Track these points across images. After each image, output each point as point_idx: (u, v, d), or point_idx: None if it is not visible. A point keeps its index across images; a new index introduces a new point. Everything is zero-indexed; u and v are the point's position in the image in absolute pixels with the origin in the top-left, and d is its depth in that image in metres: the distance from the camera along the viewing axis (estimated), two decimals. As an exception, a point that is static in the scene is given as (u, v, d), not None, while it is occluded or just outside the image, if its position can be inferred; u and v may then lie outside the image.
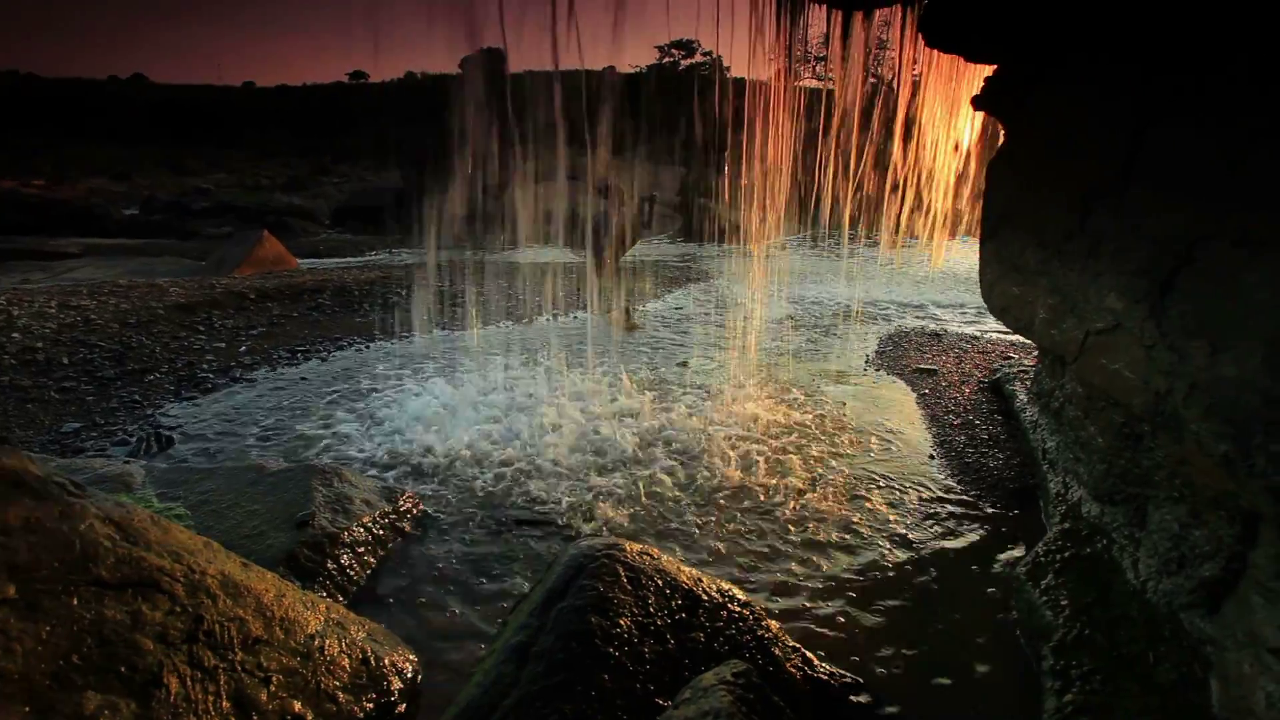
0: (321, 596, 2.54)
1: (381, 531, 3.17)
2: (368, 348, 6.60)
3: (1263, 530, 1.93)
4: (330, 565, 2.82)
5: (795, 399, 5.23)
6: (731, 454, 4.13)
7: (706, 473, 3.90)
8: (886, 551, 3.17)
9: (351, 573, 2.88)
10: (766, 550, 3.17)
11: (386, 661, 2.17)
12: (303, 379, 5.53)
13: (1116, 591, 2.49)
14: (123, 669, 1.56)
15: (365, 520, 3.13)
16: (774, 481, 3.82)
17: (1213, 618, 2.07)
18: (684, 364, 6.20)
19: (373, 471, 3.87)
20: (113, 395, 4.94)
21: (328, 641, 2.04)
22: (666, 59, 31.59)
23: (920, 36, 4.20)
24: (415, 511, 3.40)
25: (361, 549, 3.01)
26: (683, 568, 2.12)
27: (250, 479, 3.26)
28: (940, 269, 11.53)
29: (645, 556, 2.07)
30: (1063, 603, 2.47)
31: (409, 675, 2.20)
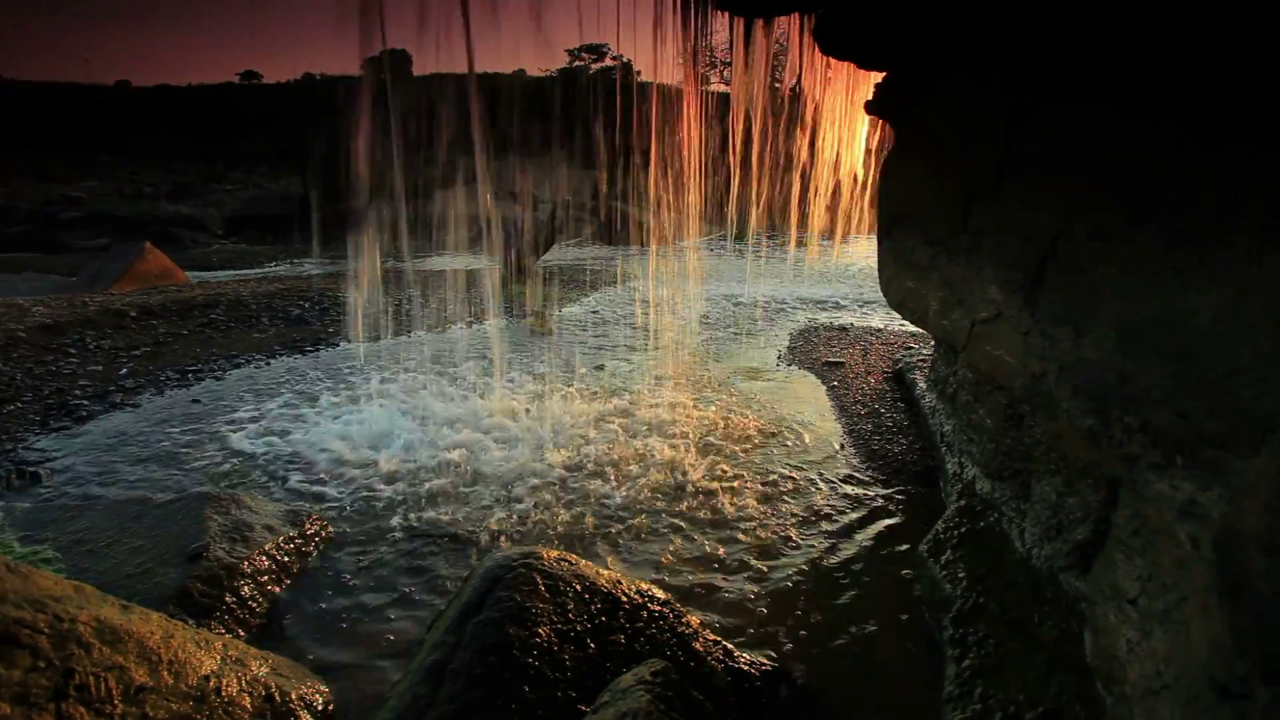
0: (219, 633, 2.36)
1: (286, 558, 2.99)
2: (269, 364, 6.21)
3: (1122, 494, 2.13)
4: (229, 599, 2.63)
5: (711, 397, 5.34)
6: (647, 455, 4.17)
7: (624, 475, 3.91)
8: (801, 540, 3.29)
9: (254, 604, 2.70)
10: (686, 548, 3.21)
11: (294, 696, 2.05)
12: (195, 401, 5.14)
13: (1006, 560, 2.69)
14: (-25, 736, 1.39)
15: (267, 547, 2.94)
16: (690, 479, 3.88)
17: (1085, 576, 2.27)
18: (600, 367, 6.20)
19: (278, 495, 3.64)
20: (-36, 430, 4.41)
21: (225, 681, 1.91)
22: (577, 62, 31.58)
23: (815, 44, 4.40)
24: (324, 534, 3.23)
25: (265, 578, 2.82)
26: (601, 571, 2.12)
27: (133, 513, 3.00)
28: (843, 265, 12.11)
29: (563, 563, 2.05)
30: (960, 575, 2.64)
31: (319, 708, 2.08)
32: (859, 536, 3.35)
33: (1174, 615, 1.61)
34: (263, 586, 2.79)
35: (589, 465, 4.02)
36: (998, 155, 2.85)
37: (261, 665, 2.07)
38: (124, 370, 5.76)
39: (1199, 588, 1.40)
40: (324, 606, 2.76)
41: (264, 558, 2.89)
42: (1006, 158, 2.83)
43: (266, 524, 3.10)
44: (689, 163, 5.51)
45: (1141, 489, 1.85)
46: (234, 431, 4.51)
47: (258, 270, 13.55)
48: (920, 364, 5.56)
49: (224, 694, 1.87)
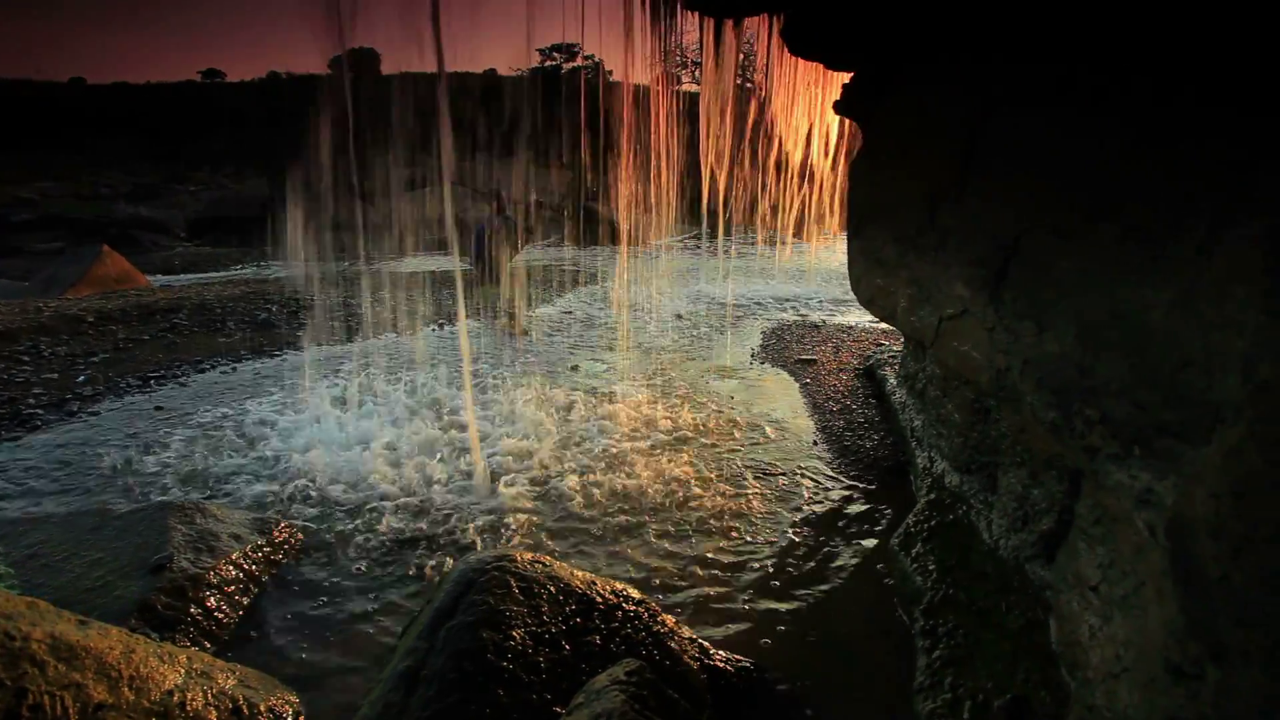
0: (184, 646, 2.30)
1: (254, 567, 2.93)
2: (234, 369, 6.07)
3: (1084, 485, 2.19)
4: (194, 610, 2.56)
5: (686, 396, 5.35)
6: (625, 454, 4.17)
7: (601, 476, 3.91)
8: (776, 536, 3.32)
9: (221, 616, 2.63)
10: (662, 546, 3.22)
11: (263, 708, 2.00)
12: (158, 408, 5.00)
13: (975, 552, 2.75)
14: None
15: (234, 557, 2.87)
16: (667, 478, 3.89)
17: (1050, 565, 2.33)
18: (575, 368, 6.18)
19: (244, 503, 3.56)
20: (-90, 442, 4.24)
21: (190, 695, 1.85)
22: (548, 62, 31.41)
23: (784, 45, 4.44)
24: (293, 542, 3.17)
25: (231, 588, 2.76)
26: (576, 572, 2.11)
27: (91, 525, 2.90)
28: (815, 263, 12.26)
29: (537, 565, 2.04)
30: (930, 568, 2.69)
31: (289, 719, 2.04)
32: (832, 531, 3.38)
33: (1133, 600, 1.66)
34: (230, 597, 2.72)
35: (562, 465, 4.00)
36: (962, 155, 2.91)
37: (229, 678, 2.02)
38: (82, 378, 5.58)
39: (1155, 573, 1.44)
40: (295, 615, 2.70)
41: (231, 567, 2.82)
42: (970, 157, 2.89)
43: (233, 533, 3.03)
44: (661, 162, 5.52)
45: (1102, 479, 1.90)
46: (199, 438, 4.39)
47: (223, 273, 13.23)
48: (891, 360, 5.65)
49: (189, 709, 1.82)
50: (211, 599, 2.64)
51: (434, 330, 7.74)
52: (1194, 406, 1.54)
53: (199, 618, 2.55)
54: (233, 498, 3.63)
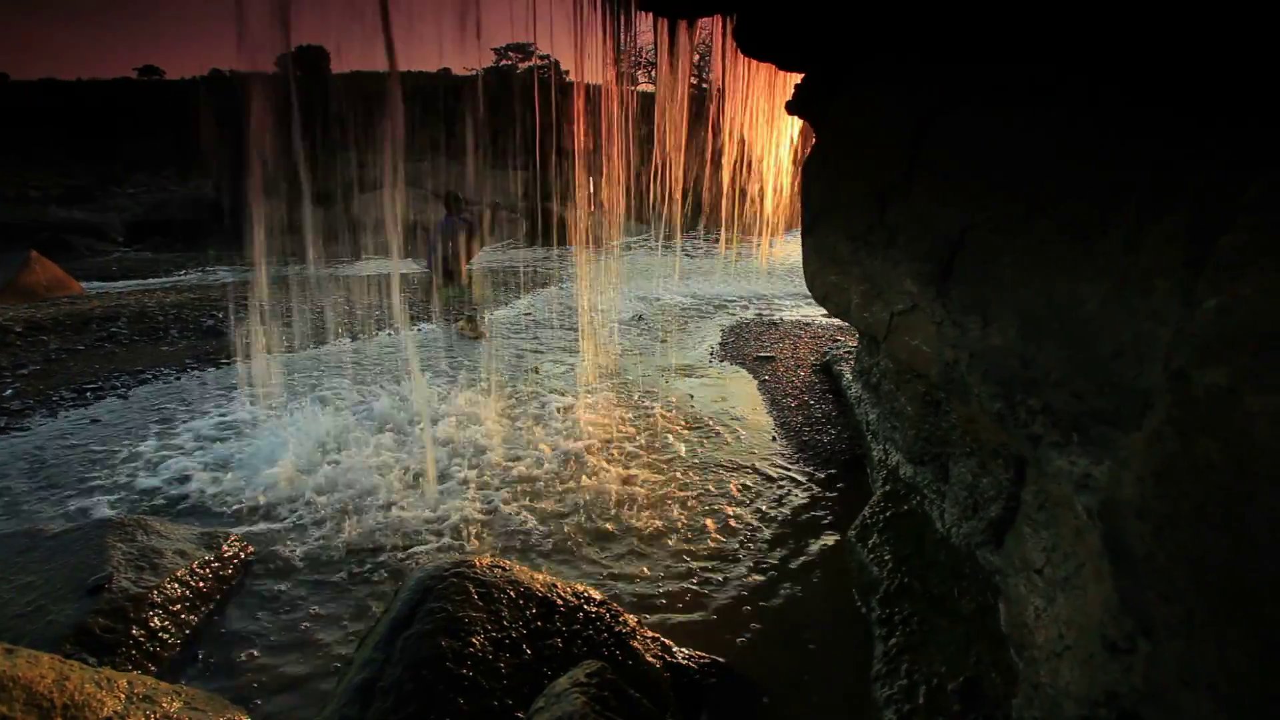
0: (125, 670, 2.20)
1: (202, 584, 2.82)
2: (179, 379, 5.83)
3: (1029, 472, 2.28)
4: (136, 631, 2.45)
5: (646, 396, 5.37)
6: (583, 455, 4.15)
7: (559, 477, 3.88)
8: (736, 533, 3.35)
9: (166, 636, 2.53)
10: (624, 546, 3.22)
11: (210, 730, 1.93)
12: (95, 421, 4.77)
13: (928, 541, 2.82)
14: None
15: (180, 573, 2.76)
16: (627, 478, 3.89)
17: (999, 551, 2.41)
18: (535, 370, 6.14)
19: (192, 518, 3.42)
20: None
21: (131, 721, 1.77)
22: (504, 62, 31.09)
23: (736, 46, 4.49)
24: (243, 556, 3.06)
25: (177, 607, 2.65)
26: (536, 575, 2.09)
27: (21, 546, 2.75)
28: (773, 262, 12.43)
29: (496, 569, 2.01)
30: (886, 558, 2.75)
31: (240, 740, 1.97)
32: (792, 526, 3.44)
33: (1074, 581, 1.73)
34: (176, 616, 2.61)
35: (521, 466, 3.97)
36: (909, 154, 2.98)
37: (173, 700, 1.93)
38: (8, 391, 5.28)
39: (1093, 554, 1.51)
40: (246, 632, 2.61)
41: (176, 585, 2.71)
42: (917, 156, 2.97)
43: (178, 549, 2.91)
44: (617, 163, 5.52)
45: (1044, 466, 1.97)
46: (141, 452, 4.21)
47: (165, 279, 12.69)
48: (846, 356, 5.77)
49: (130, 734, 1.74)
50: (155, 619, 2.53)
51: (389, 335, 7.58)
52: (1126, 394, 1.62)
53: (142, 639, 2.44)
54: (179, 512, 3.49)
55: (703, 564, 3.06)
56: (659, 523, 3.42)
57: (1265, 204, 1.10)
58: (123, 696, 1.82)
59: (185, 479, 3.84)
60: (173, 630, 2.56)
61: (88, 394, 5.33)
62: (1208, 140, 1.41)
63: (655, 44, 5.10)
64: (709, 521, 3.44)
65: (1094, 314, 1.79)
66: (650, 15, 4.90)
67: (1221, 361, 1.06)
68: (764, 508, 3.61)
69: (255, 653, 2.50)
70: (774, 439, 4.55)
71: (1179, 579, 1.06)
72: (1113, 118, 1.83)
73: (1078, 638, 1.56)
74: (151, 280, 12.55)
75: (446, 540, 3.22)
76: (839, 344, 6.43)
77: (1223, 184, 1.30)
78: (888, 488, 3.33)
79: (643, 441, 4.44)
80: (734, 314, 8.82)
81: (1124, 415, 1.61)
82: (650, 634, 2.22)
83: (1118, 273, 1.70)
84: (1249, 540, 0.97)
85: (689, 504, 3.62)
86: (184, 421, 4.74)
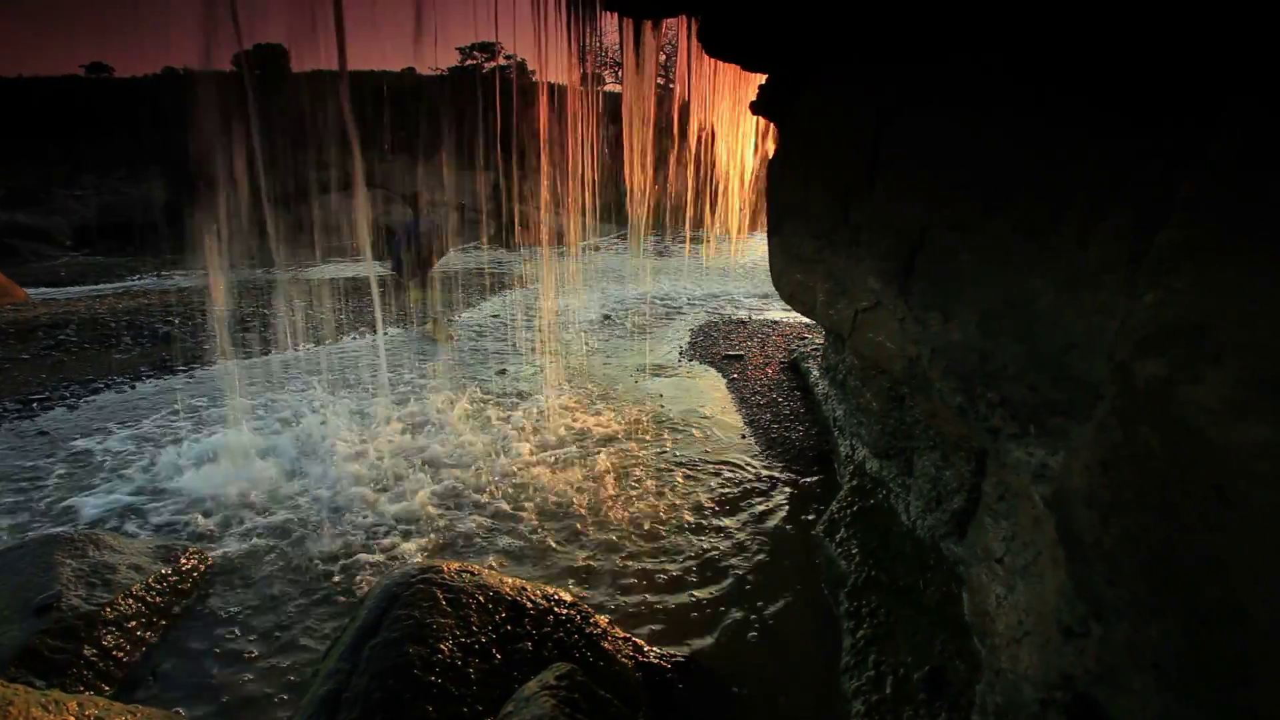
0: (77, 692, 2.12)
1: (159, 599, 2.72)
2: (133, 388, 5.63)
3: (989, 464, 2.33)
4: (88, 651, 2.36)
5: (615, 396, 5.36)
6: (553, 456, 4.13)
7: (529, 480, 3.86)
8: (707, 530, 3.37)
9: (120, 654, 2.44)
10: (594, 546, 3.21)
11: (168, 749, 1.86)
12: (42, 433, 4.58)
13: (895, 534, 2.87)
14: None
15: (135, 589, 2.67)
16: (597, 478, 3.88)
17: (961, 541, 2.46)
18: (502, 371, 6.08)
19: (146, 532, 3.31)
20: None
21: (82, 743, 1.71)
22: (469, 61, 30.76)
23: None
24: (202, 569, 2.97)
25: (132, 624, 2.55)
26: (505, 579, 2.07)
27: (-38, 565, 2.63)
28: (739, 261, 12.54)
29: (465, 574, 1.99)
30: (854, 551, 2.80)
31: (199, 759, 1.91)
32: (762, 522, 3.47)
33: (1032, 569, 1.78)
34: (131, 633, 2.52)
35: (489, 471, 3.93)
36: (870, 153, 3.03)
37: (128, 720, 1.87)
38: (-51, 403, 5.04)
39: (1049, 542, 1.55)
40: (205, 647, 2.53)
41: (131, 601, 2.62)
42: (878, 155, 3.02)
43: (133, 563, 2.81)
44: (583, 163, 5.50)
45: (1004, 458, 2.03)
46: (92, 463, 4.05)
47: (118, 284, 12.25)
48: (814, 353, 5.84)
49: (81, 757, 1.67)
50: (109, 637, 2.44)
51: (353, 339, 7.44)
52: (1079, 386, 1.67)
53: (94, 659, 2.35)
54: (133, 525, 3.37)
55: (674, 562, 3.07)
56: (628, 522, 3.42)
57: (1197, 201, 1.15)
58: (73, 718, 1.75)
59: (140, 489, 3.71)
60: (128, 648, 2.47)
61: (34, 404, 5.11)
62: (1150, 139, 1.47)
63: (620, 44, 5.11)
64: (678, 518, 3.45)
65: (1048, 309, 1.84)
66: (615, 15, 4.90)
67: (1159, 353, 1.11)
68: (733, 504, 3.63)
69: (216, 667, 2.43)
70: (743, 436, 4.59)
71: (1124, 563, 1.10)
72: (1064, 118, 1.89)
73: (1036, 623, 1.61)
74: (103, 285, 12.11)
75: (415, 543, 3.17)
76: (806, 341, 6.51)
77: (1164, 181, 1.35)
78: (855, 482, 3.38)
79: (609, 441, 4.43)
80: (703, 313, 8.87)
81: (1077, 407, 1.66)
82: (621, 634, 2.22)
83: (1070, 268, 1.75)
84: (1182, 524, 1.01)
85: (658, 503, 3.63)
86: (137, 430, 4.57)
